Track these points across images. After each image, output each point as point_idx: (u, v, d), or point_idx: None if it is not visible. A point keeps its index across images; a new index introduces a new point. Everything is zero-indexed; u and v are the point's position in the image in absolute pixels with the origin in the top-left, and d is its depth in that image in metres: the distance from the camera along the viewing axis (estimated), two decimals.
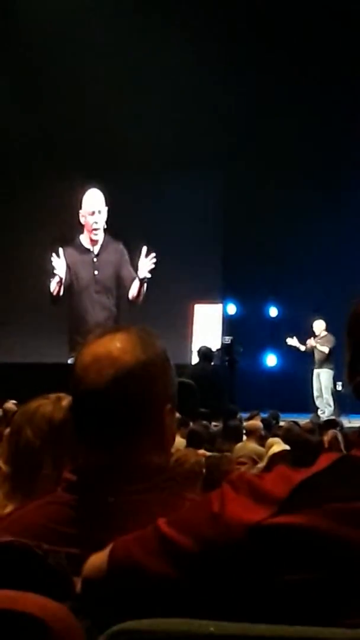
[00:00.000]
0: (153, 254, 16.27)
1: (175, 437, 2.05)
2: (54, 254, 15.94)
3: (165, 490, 1.86)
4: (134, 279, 16.18)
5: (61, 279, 15.83)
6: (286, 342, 16.73)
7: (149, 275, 16.03)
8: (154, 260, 15.96)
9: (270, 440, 8.32)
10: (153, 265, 16.02)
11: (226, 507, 1.49)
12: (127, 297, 16.74)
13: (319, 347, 16.12)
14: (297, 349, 16.46)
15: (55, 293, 16.09)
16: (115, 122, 16.27)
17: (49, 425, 2.61)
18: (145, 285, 16.22)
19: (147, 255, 16.32)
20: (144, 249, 16.14)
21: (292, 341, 16.48)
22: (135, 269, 16.49)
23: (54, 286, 15.91)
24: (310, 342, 16.32)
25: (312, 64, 16.84)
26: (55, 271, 15.70)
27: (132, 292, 16.21)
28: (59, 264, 15.67)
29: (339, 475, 1.47)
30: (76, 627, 1.30)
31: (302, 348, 16.34)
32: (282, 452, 5.98)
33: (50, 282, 16.20)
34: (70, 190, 17.28)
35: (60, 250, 15.86)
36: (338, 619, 1.35)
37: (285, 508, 1.45)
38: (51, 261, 16.24)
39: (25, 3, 16.47)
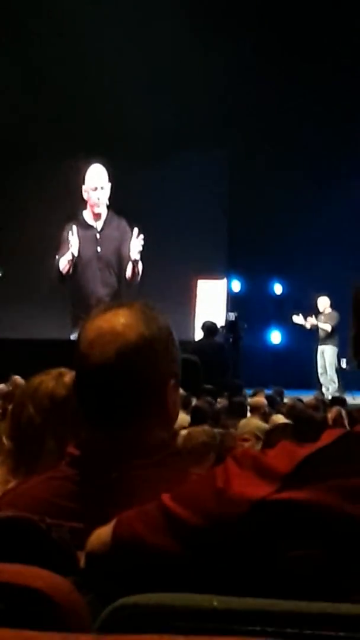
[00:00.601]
0: (141, 236, 16.19)
1: (179, 412, 2.05)
2: (69, 231, 15.87)
3: (169, 465, 1.86)
4: None
5: (74, 256, 15.76)
6: (291, 319, 16.70)
7: (138, 257, 15.98)
8: (142, 242, 15.87)
9: (275, 416, 8.33)
10: (141, 247, 15.95)
11: (230, 483, 1.50)
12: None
13: (321, 325, 16.10)
14: (302, 326, 16.43)
15: (65, 271, 16.03)
16: (120, 100, 16.23)
17: (51, 401, 2.61)
18: (138, 265, 16.16)
19: (137, 236, 16.27)
20: (135, 230, 16.10)
21: (298, 319, 16.45)
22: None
23: (64, 264, 15.84)
24: (312, 320, 16.28)
25: (316, 44, 16.74)
26: (70, 249, 15.60)
27: (127, 273, 16.18)
28: (74, 241, 15.58)
29: (343, 451, 1.47)
30: (80, 601, 1.30)
31: (308, 326, 16.31)
32: (282, 425, 5.97)
33: (57, 259, 16.13)
34: (75, 167, 17.26)
35: (74, 227, 15.80)
36: (341, 595, 1.36)
37: (289, 483, 1.45)
38: (58, 238, 16.19)
39: None
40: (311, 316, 16.30)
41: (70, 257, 15.72)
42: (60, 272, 15.95)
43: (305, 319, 16.34)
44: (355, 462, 1.45)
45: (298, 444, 1.54)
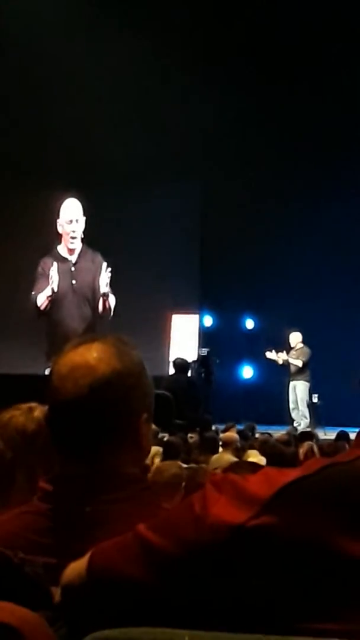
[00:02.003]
0: (109, 269, 16.15)
1: (151, 446, 2.06)
2: (48, 266, 15.79)
3: (141, 499, 1.86)
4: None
5: (53, 292, 15.68)
6: (264, 355, 16.71)
7: (107, 290, 15.96)
8: (109, 274, 15.83)
9: (249, 452, 8.32)
10: (108, 280, 15.91)
11: (209, 508, 1.47)
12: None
13: (292, 361, 16.14)
14: (275, 361, 16.45)
15: (43, 307, 15.95)
16: (94, 134, 16.26)
17: (22, 436, 2.61)
18: (109, 299, 16.13)
19: (106, 270, 16.24)
20: (104, 264, 16.08)
21: (271, 354, 16.46)
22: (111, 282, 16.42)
23: (42, 300, 15.75)
24: (282, 355, 16.31)
25: (289, 75, 16.89)
26: (51, 285, 15.50)
27: (99, 307, 16.16)
28: (55, 277, 15.49)
29: (326, 481, 1.45)
30: (51, 636, 1.29)
31: (280, 361, 16.33)
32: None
33: (33, 295, 16.06)
34: (50, 200, 17.27)
35: (55, 263, 15.75)
36: (309, 625, 1.35)
37: (267, 509, 1.43)
38: (32, 272, 16.13)
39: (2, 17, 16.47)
40: (282, 352, 16.32)
41: (50, 293, 15.64)
42: (38, 308, 15.86)
43: (277, 354, 16.37)
44: (335, 492, 1.45)
45: (279, 471, 1.52)
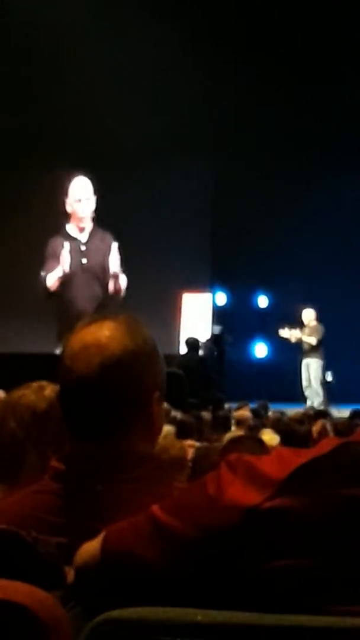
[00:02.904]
0: (119, 249, 16.04)
1: (163, 425, 2.05)
2: (58, 246, 15.70)
3: (153, 478, 1.86)
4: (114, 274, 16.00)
5: (65, 273, 15.59)
6: (277, 333, 16.68)
7: (118, 270, 15.89)
8: (119, 255, 15.72)
9: (262, 430, 8.32)
10: (119, 262, 15.81)
11: (223, 490, 1.46)
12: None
13: (306, 339, 16.09)
14: (289, 340, 16.39)
15: (54, 289, 15.89)
16: (104, 113, 16.22)
17: (32, 415, 2.60)
18: (120, 279, 16.05)
19: (117, 250, 16.15)
20: (114, 244, 16.00)
21: (284, 332, 16.42)
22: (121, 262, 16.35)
23: (52, 281, 15.67)
24: (296, 333, 16.24)
25: (299, 57, 16.83)
26: (62, 265, 15.38)
27: (110, 287, 16.09)
28: (66, 258, 15.38)
29: (339, 461, 1.44)
30: (63, 616, 1.29)
31: (292, 339, 16.27)
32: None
33: (43, 275, 16.01)
34: (58, 179, 17.23)
35: (66, 244, 15.67)
36: (326, 607, 1.35)
37: (282, 491, 1.42)
38: (42, 251, 16.10)
39: None
40: (296, 329, 16.28)
41: (61, 274, 15.53)
42: (48, 289, 15.79)
43: (290, 332, 16.32)
44: (349, 473, 1.43)
45: (294, 451, 1.52)
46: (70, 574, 1.59)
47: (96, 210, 16.59)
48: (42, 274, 15.67)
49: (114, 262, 15.37)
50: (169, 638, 1.25)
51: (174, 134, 16.80)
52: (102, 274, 15.34)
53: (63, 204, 16.69)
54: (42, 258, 16.24)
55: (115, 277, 15.38)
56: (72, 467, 1.87)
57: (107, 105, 16.19)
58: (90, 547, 1.59)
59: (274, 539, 1.42)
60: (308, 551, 1.40)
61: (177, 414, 8.46)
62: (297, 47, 16.79)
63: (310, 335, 16.12)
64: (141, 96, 16.51)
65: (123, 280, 14.98)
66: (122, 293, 15.93)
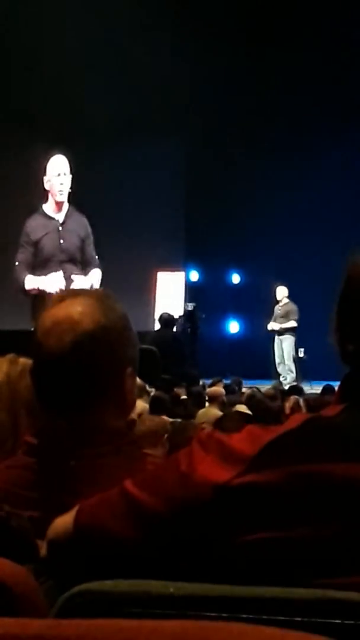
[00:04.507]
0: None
1: (136, 400, 2.06)
2: (40, 238, 15.38)
3: (127, 453, 1.86)
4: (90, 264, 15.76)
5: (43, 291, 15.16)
6: (248, 308, 16.75)
7: (96, 262, 15.68)
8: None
9: (235, 406, 8.35)
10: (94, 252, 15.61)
11: (195, 467, 1.48)
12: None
13: (286, 325, 16.15)
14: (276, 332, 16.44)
15: (30, 293, 15.59)
16: (75, 89, 16.14)
17: (6, 375, 2.60)
18: (94, 274, 15.85)
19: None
20: (90, 231, 15.77)
21: (272, 325, 16.45)
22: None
23: (31, 286, 15.35)
24: (273, 325, 16.34)
25: (272, 28, 16.78)
26: (43, 286, 14.96)
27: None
28: (48, 284, 14.95)
29: (307, 436, 1.46)
30: (36, 589, 1.30)
31: (277, 328, 16.32)
32: (234, 413, 5.95)
33: (18, 265, 15.75)
34: (35, 158, 17.13)
35: (44, 227, 15.36)
36: (298, 579, 1.36)
37: (253, 467, 1.44)
38: (19, 230, 15.93)
39: None
40: (271, 322, 16.36)
41: (40, 288, 15.16)
42: (23, 288, 15.51)
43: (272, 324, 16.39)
44: (317, 447, 1.44)
45: (264, 428, 1.53)
46: (43, 548, 1.59)
47: (71, 189, 16.53)
48: (17, 264, 15.44)
49: (91, 251, 15.24)
50: (141, 610, 1.26)
51: (146, 113, 16.77)
52: (80, 255, 15.25)
53: (41, 182, 16.63)
54: (17, 244, 16.04)
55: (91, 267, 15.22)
56: (45, 442, 1.88)
57: (80, 85, 16.09)
58: (63, 521, 1.59)
59: (245, 514, 1.43)
60: (280, 525, 1.41)
61: (151, 390, 8.47)
62: (269, 22, 16.73)
63: (284, 315, 16.18)
64: (115, 75, 16.44)
65: (97, 274, 14.85)
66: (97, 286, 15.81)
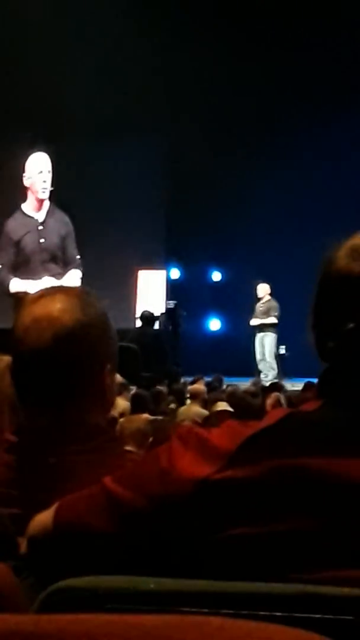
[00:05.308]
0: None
1: (115, 398, 2.06)
2: (20, 237, 15.29)
3: (107, 450, 1.87)
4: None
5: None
6: (229, 306, 16.77)
7: (77, 261, 15.63)
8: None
9: (216, 404, 8.37)
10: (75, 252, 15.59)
11: (175, 462, 1.48)
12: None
13: (267, 321, 16.15)
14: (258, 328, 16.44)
15: (14, 296, 15.46)
16: (55, 88, 16.10)
17: None
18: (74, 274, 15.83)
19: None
20: (71, 229, 15.74)
21: (254, 321, 16.46)
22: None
23: (16, 288, 15.22)
24: (254, 321, 16.35)
25: (254, 20, 16.77)
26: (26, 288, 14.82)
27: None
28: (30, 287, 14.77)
29: (287, 431, 1.46)
30: (16, 585, 1.30)
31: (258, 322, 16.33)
32: (222, 412, 5.97)
33: (7, 275, 15.64)
34: (14, 157, 17.08)
35: (24, 227, 15.28)
36: (278, 574, 1.36)
37: (232, 462, 1.44)
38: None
39: None
40: (254, 319, 16.36)
41: (24, 291, 14.95)
42: (8, 291, 15.32)
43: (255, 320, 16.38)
44: (297, 442, 1.45)
45: (243, 424, 1.53)
46: (23, 545, 1.59)
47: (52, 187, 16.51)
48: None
49: (72, 251, 15.16)
50: (121, 606, 1.26)
51: (127, 111, 16.75)
52: (60, 252, 15.21)
53: (21, 181, 16.59)
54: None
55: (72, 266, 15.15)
56: (25, 439, 1.88)
57: (61, 82, 16.05)
58: (43, 518, 1.59)
59: (225, 509, 1.43)
60: (259, 520, 1.42)
61: (132, 387, 8.48)
62: (254, 17, 16.73)
63: (265, 312, 16.19)
64: (95, 72, 16.39)
65: (77, 274, 14.78)
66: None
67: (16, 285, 14.08)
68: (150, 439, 5.07)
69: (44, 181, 14.82)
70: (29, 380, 1.90)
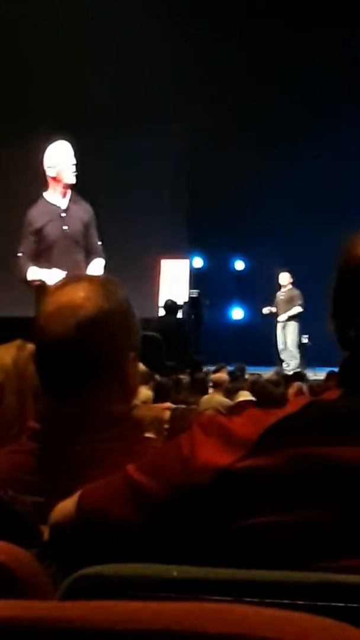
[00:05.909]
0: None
1: (139, 386, 2.07)
2: (43, 226, 15.32)
3: (129, 438, 1.87)
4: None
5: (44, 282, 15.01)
6: (252, 295, 16.72)
7: (99, 249, 15.63)
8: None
9: (239, 393, 8.36)
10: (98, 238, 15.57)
11: (196, 451, 1.49)
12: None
13: (292, 313, 16.08)
14: (273, 314, 16.38)
15: (31, 284, 15.48)
16: (79, 75, 16.07)
17: (13, 361, 2.61)
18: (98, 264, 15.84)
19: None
20: (93, 218, 15.72)
21: (282, 317, 16.40)
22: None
23: (33, 276, 15.23)
24: (282, 318, 16.29)
25: (275, 13, 16.71)
26: (44, 277, 14.82)
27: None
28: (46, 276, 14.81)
29: (308, 419, 1.46)
30: (41, 572, 1.30)
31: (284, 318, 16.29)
32: (245, 402, 5.96)
33: (21, 256, 15.67)
34: (35, 146, 17.08)
35: (47, 215, 15.28)
36: (295, 563, 1.36)
37: (254, 451, 1.44)
38: (21, 218, 15.90)
39: None
40: (273, 308, 16.28)
41: (41, 279, 14.97)
42: (26, 279, 15.34)
43: (269, 310, 16.29)
44: (318, 431, 1.45)
45: (265, 412, 1.53)
46: (46, 533, 1.60)
47: None
48: (20, 255, 15.32)
49: (95, 238, 15.14)
50: (144, 593, 1.27)
51: (150, 99, 16.72)
52: (83, 240, 15.21)
53: (42, 170, 16.60)
54: (19, 230, 16.01)
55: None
56: (49, 427, 1.89)
57: (83, 71, 16.03)
58: (66, 506, 1.60)
59: (246, 498, 1.44)
60: (280, 508, 1.42)
61: (156, 376, 8.47)
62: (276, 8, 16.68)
63: (288, 300, 16.13)
64: (117, 59, 16.37)
65: (100, 263, 14.77)
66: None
67: (33, 273, 14.09)
68: (166, 426, 5.07)
69: (73, 164, 14.81)
70: (52, 367, 1.90)
